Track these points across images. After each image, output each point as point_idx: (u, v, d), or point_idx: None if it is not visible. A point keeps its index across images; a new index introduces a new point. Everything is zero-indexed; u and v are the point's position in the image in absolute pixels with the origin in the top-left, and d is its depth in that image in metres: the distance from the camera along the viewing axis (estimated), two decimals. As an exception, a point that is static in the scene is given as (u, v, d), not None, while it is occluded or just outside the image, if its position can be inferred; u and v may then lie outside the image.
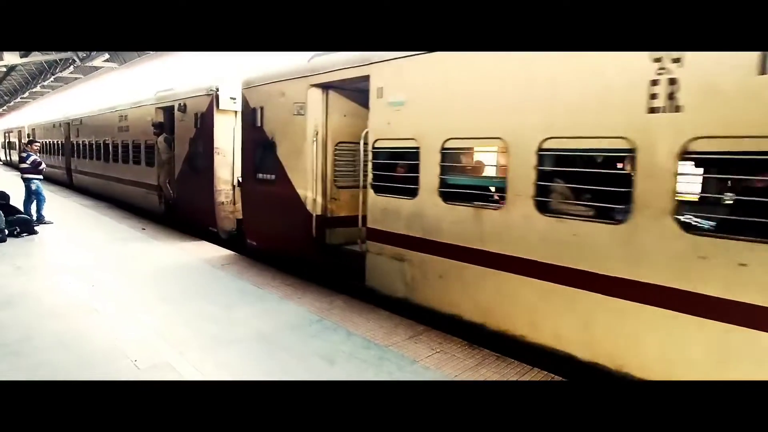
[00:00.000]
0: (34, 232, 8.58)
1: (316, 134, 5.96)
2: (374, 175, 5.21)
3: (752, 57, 2.70)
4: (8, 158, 32.29)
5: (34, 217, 9.23)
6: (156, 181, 10.49)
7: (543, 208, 3.75)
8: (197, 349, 3.96)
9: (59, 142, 18.94)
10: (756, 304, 2.75)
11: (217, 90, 8.25)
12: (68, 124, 17.52)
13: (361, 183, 5.58)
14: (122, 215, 11.45)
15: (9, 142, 31.94)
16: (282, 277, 6.28)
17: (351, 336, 4.35)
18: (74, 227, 9.69)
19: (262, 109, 6.78)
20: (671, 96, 3.01)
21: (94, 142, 14.70)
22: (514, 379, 3.63)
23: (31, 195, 9.42)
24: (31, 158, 9.47)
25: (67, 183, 18.10)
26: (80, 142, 16.14)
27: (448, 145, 4.45)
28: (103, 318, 4.61)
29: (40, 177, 9.62)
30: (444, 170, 4.53)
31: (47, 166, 19.82)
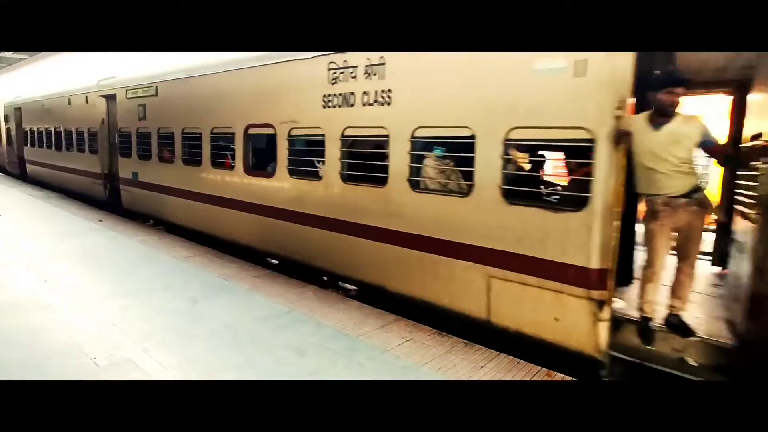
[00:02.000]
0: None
1: None
2: None
3: None
4: None
5: None
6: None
7: None
8: (160, 344, 3.84)
9: (85, 131, 10.90)
10: None
11: None
12: (111, 96, 9.50)
13: None
14: (77, 206, 10.85)
15: None
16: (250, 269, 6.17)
17: (321, 327, 4.33)
18: (25, 219, 9.12)
19: None
20: None
21: (242, 132, 6.33)
22: (482, 365, 3.72)
23: None
24: None
25: (105, 199, 10.36)
26: (153, 132, 8.23)
27: None
28: (57, 314, 4.38)
29: None
30: None
31: (54, 168, 13.04)
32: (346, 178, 5.08)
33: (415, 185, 4.52)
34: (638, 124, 3.38)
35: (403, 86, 4.51)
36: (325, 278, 5.62)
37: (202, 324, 4.30)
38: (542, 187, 4.08)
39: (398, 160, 4.56)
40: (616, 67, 3.31)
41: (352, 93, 4.90)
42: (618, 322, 3.71)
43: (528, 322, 3.88)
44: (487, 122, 3.92)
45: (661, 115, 3.30)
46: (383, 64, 4.61)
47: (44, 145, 13.67)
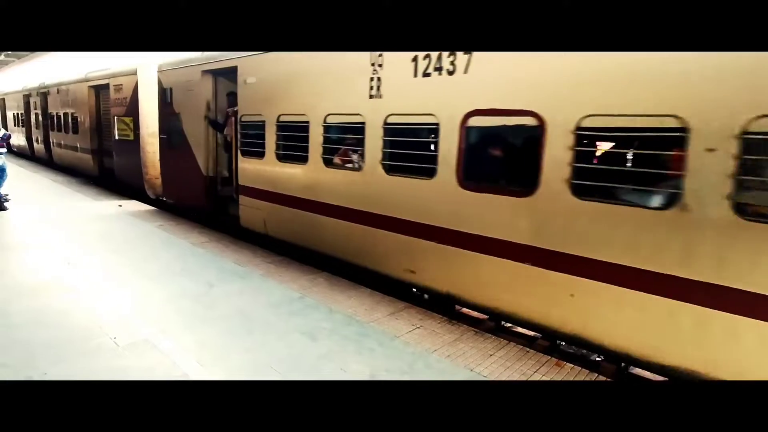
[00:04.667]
0: (4, 209, 8.31)
1: None
2: None
3: None
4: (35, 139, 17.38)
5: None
6: None
7: None
8: (177, 326, 3.96)
9: None
10: None
11: None
12: None
13: None
14: (97, 191, 11.13)
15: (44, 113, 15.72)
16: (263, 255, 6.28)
17: (332, 313, 4.40)
18: (48, 204, 9.40)
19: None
20: None
21: None
22: (491, 353, 3.74)
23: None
24: (1, 132, 9.09)
25: None
26: None
27: None
28: (80, 295, 4.54)
29: (4, 151, 9.25)
30: None
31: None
32: None
33: None
34: None
35: None
36: None
37: (217, 308, 4.41)
38: None
39: None
40: None
41: None
42: None
43: None
44: None
45: None
46: None
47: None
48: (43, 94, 15.58)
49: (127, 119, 10.01)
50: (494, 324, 4.75)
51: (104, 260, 5.75)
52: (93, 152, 12.38)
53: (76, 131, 13.16)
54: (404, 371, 3.40)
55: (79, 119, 12.84)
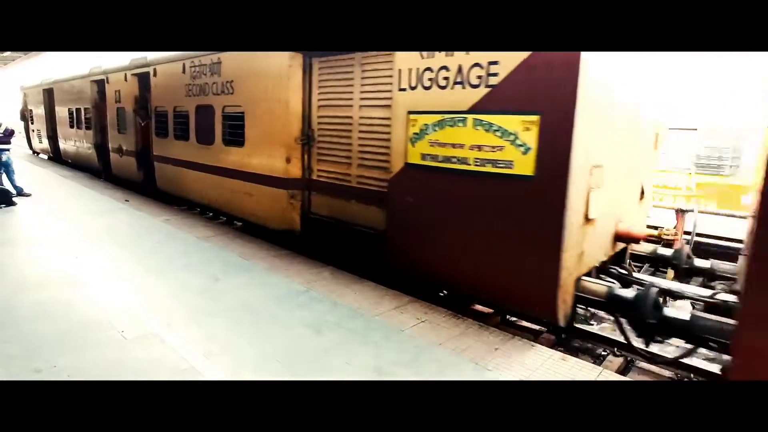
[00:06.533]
0: (13, 203, 8.38)
1: None
2: None
3: None
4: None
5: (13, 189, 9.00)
6: None
7: None
8: (183, 319, 3.98)
9: None
10: None
11: None
12: None
13: None
14: (104, 186, 11.20)
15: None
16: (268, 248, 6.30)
17: (337, 306, 4.41)
18: (56, 199, 9.47)
19: None
20: None
21: None
22: (496, 347, 3.74)
23: (1, 166, 9.17)
24: (2, 127, 9.18)
25: None
26: None
27: None
28: (88, 289, 4.58)
29: (8, 147, 9.34)
30: None
31: None
32: None
33: None
34: None
35: None
36: None
37: (222, 301, 4.43)
38: None
39: None
40: None
41: None
42: None
43: None
44: None
45: None
46: None
47: None
48: (141, 77, 9.76)
49: (525, 121, 3.71)
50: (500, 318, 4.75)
51: (112, 254, 5.78)
52: (293, 187, 6.19)
53: (237, 142, 6.99)
54: (409, 364, 3.41)
55: (246, 119, 6.71)
